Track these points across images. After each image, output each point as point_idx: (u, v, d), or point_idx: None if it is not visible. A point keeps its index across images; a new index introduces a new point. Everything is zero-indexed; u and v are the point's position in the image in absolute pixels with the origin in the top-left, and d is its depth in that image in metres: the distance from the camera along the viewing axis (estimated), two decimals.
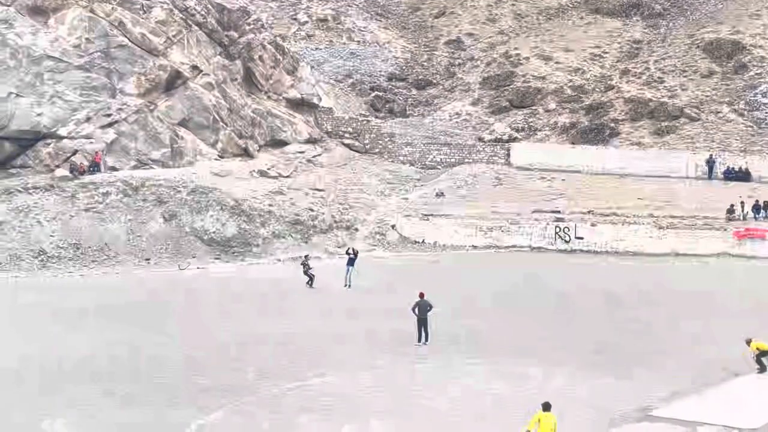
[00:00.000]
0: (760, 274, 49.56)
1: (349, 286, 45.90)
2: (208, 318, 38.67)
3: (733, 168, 67.39)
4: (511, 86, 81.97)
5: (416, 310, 34.07)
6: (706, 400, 26.55)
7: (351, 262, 46.61)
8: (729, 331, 33.45)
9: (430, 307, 34.13)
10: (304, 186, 64.08)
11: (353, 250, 47.96)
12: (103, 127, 60.31)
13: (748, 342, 29.80)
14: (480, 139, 76.86)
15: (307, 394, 27.14)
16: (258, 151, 67.23)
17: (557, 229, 59.56)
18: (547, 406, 21.64)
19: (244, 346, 33.21)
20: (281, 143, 69.19)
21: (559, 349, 33.12)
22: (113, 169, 59.06)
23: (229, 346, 33.21)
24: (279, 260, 55.18)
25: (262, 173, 64.39)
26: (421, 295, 34.50)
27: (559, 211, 61.79)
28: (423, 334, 33.85)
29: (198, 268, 52.33)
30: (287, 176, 65.31)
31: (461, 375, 29.39)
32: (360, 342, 34.21)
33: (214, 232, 55.87)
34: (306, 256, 48.35)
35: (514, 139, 76.12)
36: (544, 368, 30.09)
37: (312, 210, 60.46)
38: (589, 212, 61.52)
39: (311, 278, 46.19)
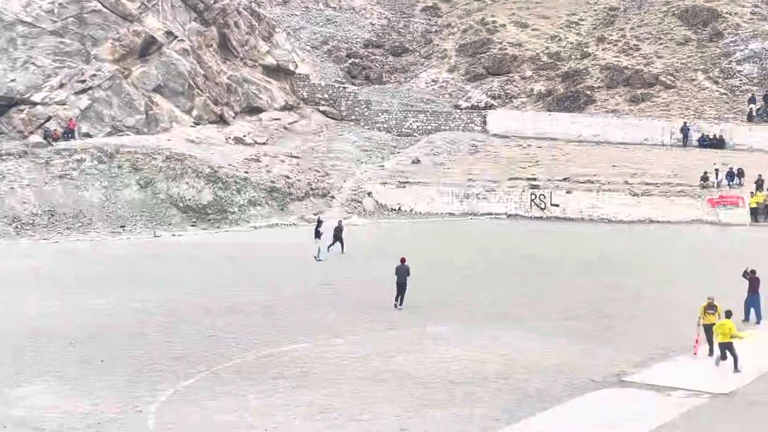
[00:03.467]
0: (734, 241, 49.95)
1: (318, 258, 44.65)
2: (183, 285, 38.63)
3: (707, 136, 67.76)
4: (488, 53, 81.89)
5: (396, 273, 34.64)
6: (678, 365, 26.80)
7: (318, 234, 45.44)
8: (701, 298, 33.73)
9: (408, 272, 34.60)
10: (280, 153, 63.89)
11: (319, 219, 47.75)
12: (77, 93, 59.87)
13: (728, 314, 28.96)
14: (456, 107, 76.89)
15: (282, 360, 27.21)
16: (234, 118, 66.98)
17: (533, 197, 59.77)
18: (728, 314, 25.92)
19: (220, 314, 33.22)
20: (257, 110, 68.94)
21: (533, 314, 33.32)
22: (87, 135, 58.70)
23: (204, 314, 33.21)
24: (255, 227, 55.11)
25: (238, 140, 64.18)
26: (402, 260, 35.01)
27: (535, 179, 61.95)
28: (400, 297, 34.41)
29: (174, 235, 52.19)
30: (263, 143, 65.11)
31: (437, 341, 29.53)
32: (336, 309, 34.28)
33: (189, 200, 55.70)
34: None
35: (491, 107, 76.23)
36: (517, 334, 30.28)
37: (288, 177, 60.35)
38: (564, 179, 61.74)
39: (339, 241, 46.11)
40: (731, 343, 25.99)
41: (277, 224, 56.01)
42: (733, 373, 25.61)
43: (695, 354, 27.06)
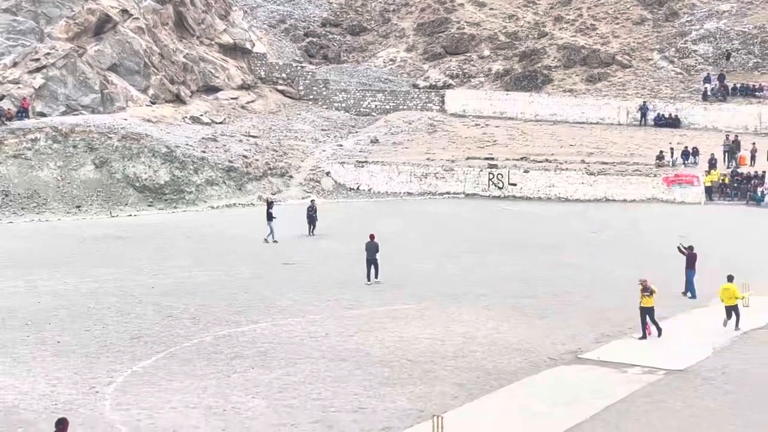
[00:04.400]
0: (688, 219, 50.48)
1: (269, 240, 44.10)
2: (140, 266, 38.39)
3: (662, 115, 68.41)
4: (446, 33, 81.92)
5: (366, 250, 35.58)
6: (634, 342, 27.10)
7: (270, 216, 44.62)
8: (658, 275, 34.12)
9: (378, 249, 35.51)
10: (237, 132, 63.55)
11: (270, 201, 47.51)
12: (30, 72, 59.04)
13: (730, 278, 29.60)
14: (414, 86, 76.88)
15: (241, 340, 27.17)
16: (190, 97, 66.48)
17: (491, 176, 59.97)
18: (730, 278, 28.07)
19: (178, 294, 33.08)
20: (214, 89, 68.48)
21: (492, 293, 33.51)
22: (42, 114, 57.96)
23: (161, 295, 33.05)
24: (213, 207, 54.82)
25: (195, 119, 63.74)
26: (372, 237, 35.90)
27: (492, 158, 62.15)
28: (373, 273, 35.38)
29: (130, 215, 51.80)
30: (220, 122, 64.71)
31: (396, 319, 29.61)
32: (295, 289, 34.27)
33: (146, 179, 55.27)
34: (270, 202, 47.65)
35: (449, 86, 76.31)
36: (476, 312, 30.46)
37: (246, 157, 60.03)
38: (522, 159, 62.00)
39: (313, 223, 45.80)
40: (737, 306, 28.45)
41: (235, 204, 55.76)
42: (734, 330, 28.04)
43: (648, 334, 27.33)
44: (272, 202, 47.75)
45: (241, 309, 31.08)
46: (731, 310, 28.68)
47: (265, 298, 32.76)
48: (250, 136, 63.54)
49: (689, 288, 32.91)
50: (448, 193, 59.94)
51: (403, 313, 30.51)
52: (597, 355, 25.73)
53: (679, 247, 33.76)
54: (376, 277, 35.48)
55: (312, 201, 47.73)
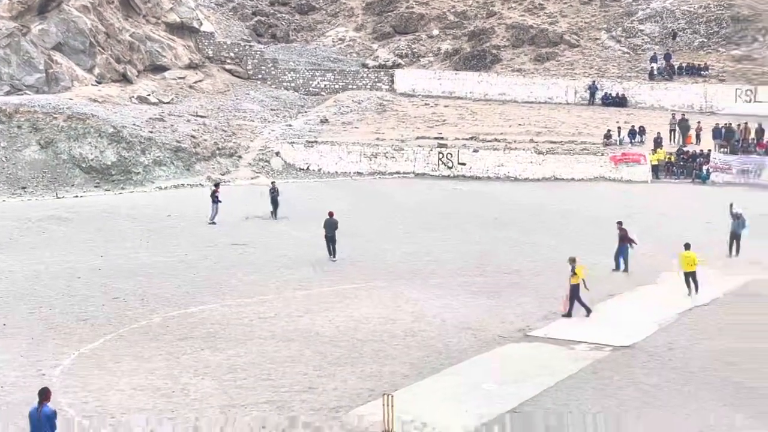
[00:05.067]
0: (635, 197, 50.99)
1: (211, 221, 43.44)
2: (88, 247, 37.95)
3: (610, 94, 68.97)
4: (395, 12, 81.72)
5: (325, 227, 36.01)
6: (582, 319, 27.35)
7: (215, 198, 43.95)
8: (604, 252, 34.46)
9: (337, 226, 35.92)
10: (185, 112, 62.95)
11: (216, 183, 47.04)
12: None
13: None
14: (364, 66, 76.66)
15: (189, 322, 27.01)
16: (137, 76, 65.68)
17: (440, 155, 60.05)
18: (687, 246, 29.12)
19: (126, 276, 32.77)
20: (161, 68, 67.69)
21: (441, 271, 33.63)
22: None
23: (109, 276, 32.72)
24: (161, 188, 54.31)
25: (142, 99, 63.02)
26: (330, 214, 36.37)
27: (442, 138, 62.22)
28: (332, 250, 35.79)
29: (77, 196, 51.15)
30: (168, 102, 64.06)
31: (345, 299, 29.61)
32: (244, 269, 34.11)
33: (92, 160, 54.56)
34: (273, 183, 47.03)
35: (398, 66, 76.20)
36: (425, 290, 30.55)
37: (194, 137, 59.48)
38: (471, 138, 62.14)
39: (276, 206, 45.14)
40: (695, 272, 29.66)
41: (183, 185, 55.26)
42: (695, 295, 29.50)
43: (563, 311, 27.66)
44: (219, 183, 47.36)
45: (190, 290, 30.87)
46: (689, 277, 29.73)
47: (214, 279, 32.57)
48: (198, 116, 62.97)
49: (623, 261, 33.65)
50: (398, 172, 59.94)
51: (353, 293, 30.52)
52: (545, 333, 25.95)
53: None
54: (334, 255, 35.77)
55: (273, 183, 47.07)
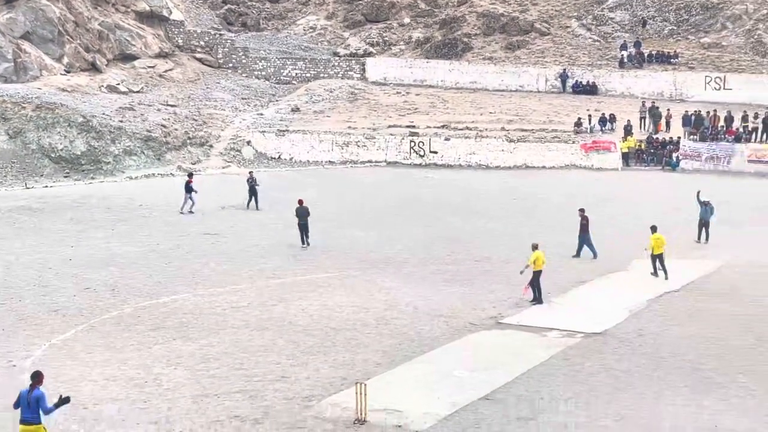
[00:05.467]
0: (606, 184, 51.29)
1: (186, 211, 43.11)
2: (59, 237, 37.71)
3: (580, 82, 69.28)
4: (366, 0, 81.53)
5: (296, 215, 36.43)
6: (553, 307, 27.54)
7: (189, 188, 43.53)
8: (575, 239, 34.66)
9: (308, 212, 36.34)
10: (155, 101, 62.62)
11: (190, 173, 46.72)
12: None
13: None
14: (335, 54, 76.53)
15: (162, 312, 26.94)
16: (106, 65, 65.22)
17: (412, 144, 60.08)
18: (654, 228, 29.75)
19: (97, 266, 32.61)
20: (131, 57, 67.25)
21: (414, 259, 33.71)
22: None
23: (79, 266, 32.54)
24: (131, 178, 54.02)
25: (112, 88, 62.60)
26: (300, 202, 36.76)
27: (413, 126, 62.25)
28: (303, 237, 36.19)
29: (46, 186, 50.78)
30: (137, 91, 63.67)
31: (318, 288, 29.64)
32: (217, 259, 34.04)
33: (62, 150, 54.15)
34: (251, 173, 46.61)
35: (369, 54, 76.14)
36: (398, 279, 30.63)
37: (164, 126, 59.17)
38: (443, 126, 62.23)
39: (255, 195, 44.54)
40: (662, 254, 30.54)
41: (154, 174, 54.98)
42: (663, 278, 30.45)
43: (523, 293, 28.00)
44: (192, 173, 47.16)
45: (162, 280, 30.78)
46: (657, 259, 30.54)
47: (186, 268, 32.48)
48: (168, 105, 62.64)
49: (590, 249, 34.09)
50: (369, 161, 59.94)
51: (326, 282, 30.55)
52: (517, 320, 26.10)
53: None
54: (307, 243, 36.10)
55: (251, 173, 46.51)
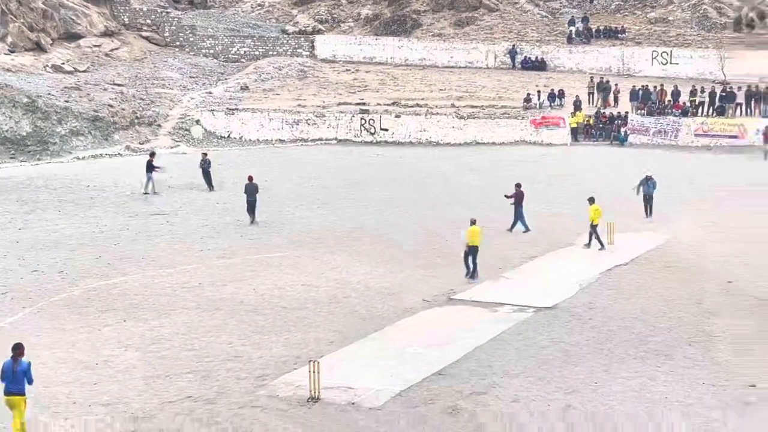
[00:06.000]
0: (555, 159, 51.62)
1: (146, 192, 42.57)
2: (6, 219, 37.15)
3: (529, 58, 69.50)
4: None
5: (245, 192, 36.57)
6: (504, 282, 27.71)
7: (150, 167, 43.05)
8: (526, 216, 34.88)
9: (257, 189, 36.46)
10: (102, 81, 61.82)
11: (152, 152, 46.13)
12: None
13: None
14: (284, 32, 76.03)
15: (111, 293, 26.69)
16: (51, 45, 64.23)
17: (362, 121, 59.97)
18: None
19: (45, 248, 32.21)
20: (76, 36, 66.28)
21: (364, 238, 33.71)
22: None
23: (28, 248, 32.12)
24: (78, 158, 53.35)
25: (57, 68, 61.69)
26: (250, 179, 36.84)
27: (364, 103, 62.13)
28: (252, 215, 36.27)
29: None
30: (84, 71, 62.81)
31: (269, 267, 29.54)
32: (166, 239, 33.79)
33: (7, 131, 53.27)
34: (204, 154, 45.85)
35: (318, 31, 75.74)
36: (349, 257, 30.63)
37: (112, 106, 58.46)
38: (393, 104, 62.16)
39: (207, 177, 43.78)
40: (597, 225, 31.34)
41: (101, 155, 54.33)
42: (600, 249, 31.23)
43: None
44: (154, 153, 46.28)
45: (111, 261, 30.49)
46: (595, 230, 31.30)
47: (135, 249, 32.19)
48: (115, 84, 61.89)
49: (522, 223, 34.43)
50: (320, 139, 59.75)
51: (277, 261, 30.46)
52: (469, 296, 26.23)
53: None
54: (254, 218, 36.24)
55: (204, 154, 45.64)
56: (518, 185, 34.96)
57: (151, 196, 42.18)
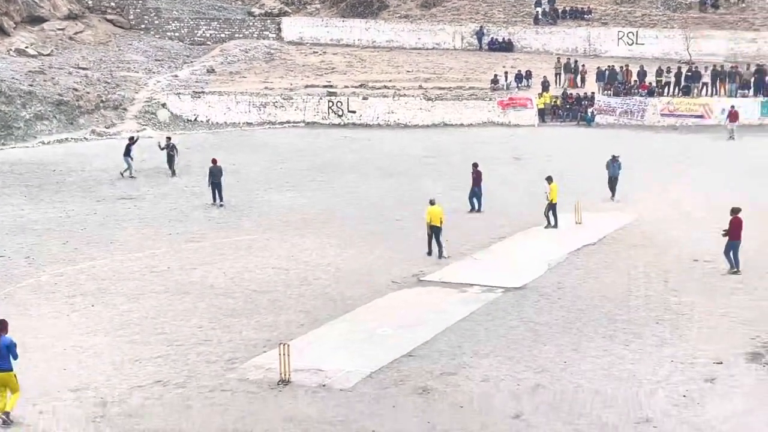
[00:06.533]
0: (522, 140, 51.77)
1: (129, 175, 42.52)
2: None
3: (496, 39, 69.54)
4: None
5: (210, 174, 36.83)
6: (473, 263, 27.80)
7: (128, 151, 42.90)
8: (493, 197, 34.99)
9: (222, 172, 36.84)
10: (66, 65, 61.21)
11: (131, 137, 45.46)
12: None
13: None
14: (250, 14, 75.60)
15: (79, 278, 26.52)
16: (14, 28, 63.47)
17: (330, 104, 59.82)
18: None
19: (11, 233, 31.94)
20: (39, 20, 65.53)
21: (333, 220, 33.69)
22: None
23: None
24: (43, 143, 52.85)
25: (20, 52, 61.00)
26: (214, 161, 37.12)
27: (331, 86, 61.94)
28: (217, 196, 36.51)
29: None
30: (47, 55, 62.15)
31: (238, 250, 29.46)
32: (134, 223, 33.59)
33: None
34: (168, 138, 45.34)
35: (285, 13, 75.37)
36: (318, 240, 30.60)
37: (76, 90, 57.90)
38: (360, 86, 62.02)
39: (171, 161, 43.24)
40: (555, 204, 31.49)
41: (67, 139, 53.87)
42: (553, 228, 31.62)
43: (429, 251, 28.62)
44: (133, 137, 45.39)
45: (78, 246, 30.28)
46: (553, 209, 31.64)
47: (103, 234, 31.99)
48: (79, 68, 61.28)
49: (477, 201, 34.87)
50: (288, 121, 59.54)
51: (246, 244, 30.38)
52: (438, 277, 26.29)
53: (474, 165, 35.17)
54: (221, 200, 36.39)
55: (168, 138, 44.89)
56: (475, 165, 35.14)
57: (120, 180, 41.90)
